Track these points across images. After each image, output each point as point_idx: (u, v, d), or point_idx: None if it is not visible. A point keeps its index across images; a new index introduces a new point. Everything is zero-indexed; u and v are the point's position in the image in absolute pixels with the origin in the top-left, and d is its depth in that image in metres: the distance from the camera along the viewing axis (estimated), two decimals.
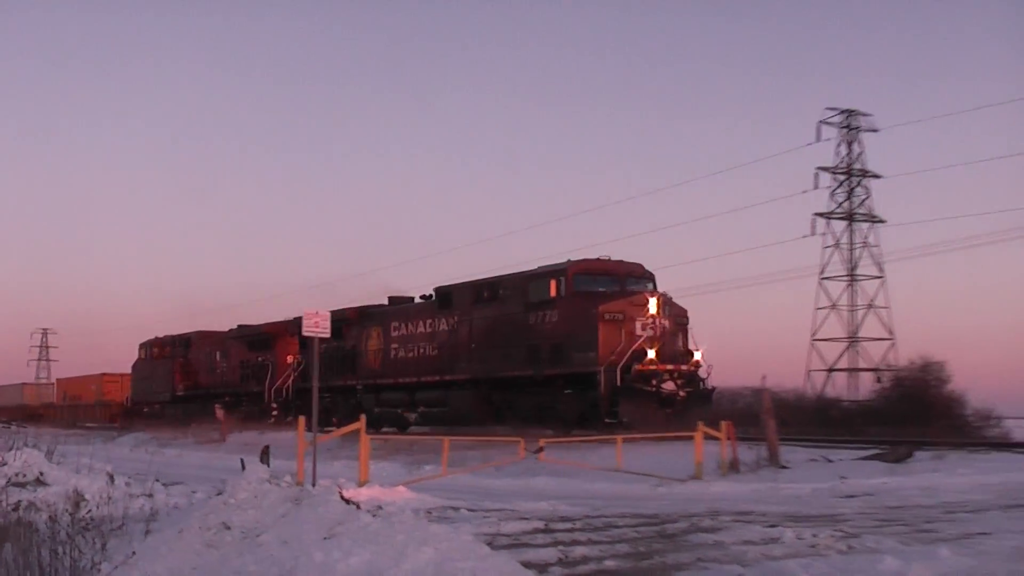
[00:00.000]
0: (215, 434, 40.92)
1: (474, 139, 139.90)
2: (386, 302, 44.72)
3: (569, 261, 33.50)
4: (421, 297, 40.85)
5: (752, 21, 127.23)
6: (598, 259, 33.88)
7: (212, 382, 55.29)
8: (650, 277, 33.86)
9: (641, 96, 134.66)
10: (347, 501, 10.67)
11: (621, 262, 33.53)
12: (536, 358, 32.88)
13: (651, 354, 30.12)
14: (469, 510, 14.99)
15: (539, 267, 34.60)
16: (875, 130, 64.81)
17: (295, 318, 45.32)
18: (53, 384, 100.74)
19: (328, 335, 19.97)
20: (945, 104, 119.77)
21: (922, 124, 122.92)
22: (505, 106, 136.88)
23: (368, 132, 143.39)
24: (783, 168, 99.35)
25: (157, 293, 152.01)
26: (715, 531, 12.18)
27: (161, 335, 63.18)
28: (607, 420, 29.76)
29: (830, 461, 22.13)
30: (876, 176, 65.03)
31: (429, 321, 38.52)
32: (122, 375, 74.92)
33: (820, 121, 63.63)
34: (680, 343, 32.30)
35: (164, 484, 15.71)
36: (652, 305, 31.24)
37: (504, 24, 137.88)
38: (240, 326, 55.34)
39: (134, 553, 9.50)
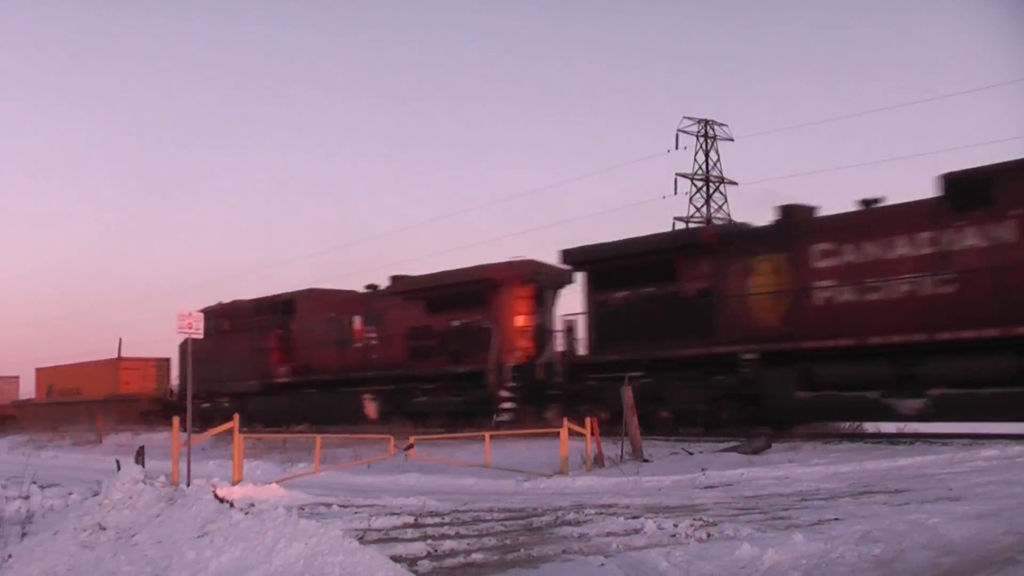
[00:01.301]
0: (91, 435, 40.28)
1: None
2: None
3: None
4: (864, 203, 25.18)
5: (619, 28, 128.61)
6: None
7: (344, 362, 39.18)
8: None
9: (508, 98, 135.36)
10: (220, 500, 10.68)
11: None
12: None
13: None
14: (340, 506, 15.11)
15: None
16: (731, 139, 66.75)
17: (523, 259, 34.75)
18: (17, 378, 79.11)
19: (201, 336, 19.39)
20: (799, 114, 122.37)
21: (777, 134, 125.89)
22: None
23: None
24: (645, 173, 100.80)
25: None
26: (579, 524, 12.39)
27: (228, 300, 46.91)
28: None
29: (691, 454, 22.66)
30: (733, 183, 66.77)
31: (928, 235, 23.45)
32: (147, 360, 60.27)
33: (679, 130, 65.28)
34: None
35: (40, 486, 15.61)
36: None
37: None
38: (397, 277, 38.75)
39: (10, 556, 9.54)
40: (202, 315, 19.09)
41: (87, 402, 57.10)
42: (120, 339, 70.77)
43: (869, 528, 10.81)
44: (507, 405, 32.14)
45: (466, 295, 34.77)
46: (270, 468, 23.08)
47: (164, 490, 11.15)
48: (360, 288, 41.53)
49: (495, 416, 31.87)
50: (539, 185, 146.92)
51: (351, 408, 37.26)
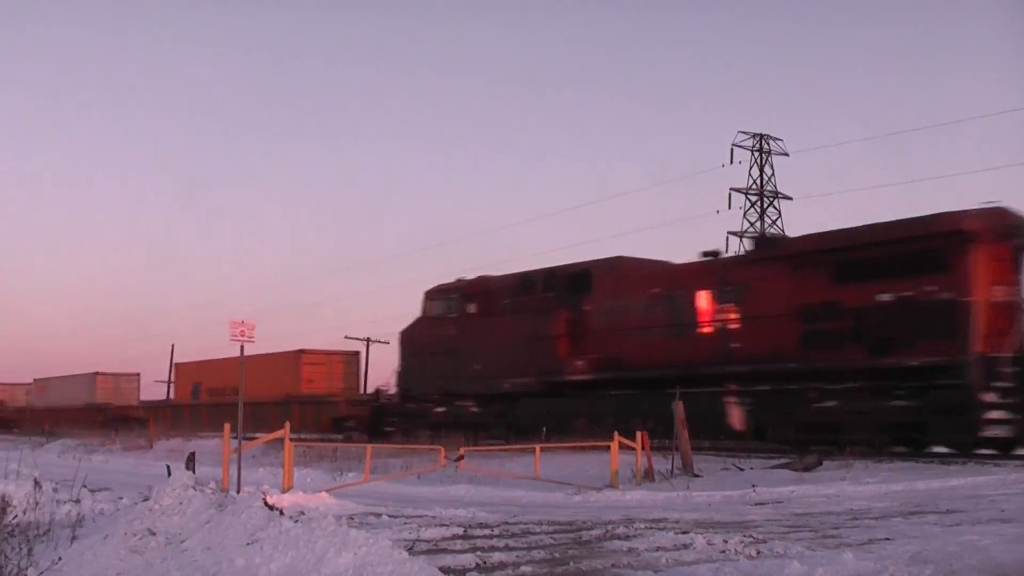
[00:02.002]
0: (142, 440, 40.52)
1: None
2: None
3: None
4: None
5: (673, 45, 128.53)
6: None
7: (683, 354, 28.94)
8: None
9: (563, 116, 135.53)
10: (270, 507, 10.73)
11: None
12: None
13: None
14: (390, 516, 15.14)
15: None
16: (786, 154, 66.34)
17: (996, 205, 24.60)
18: (138, 375, 73.37)
19: (253, 341, 19.28)
20: (853, 130, 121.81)
21: (831, 149, 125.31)
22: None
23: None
24: (699, 187, 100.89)
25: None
26: (629, 538, 12.36)
27: (470, 276, 37.37)
28: None
29: (741, 470, 22.57)
30: (787, 198, 66.43)
31: None
32: (333, 354, 51.17)
33: (733, 144, 65.02)
34: None
35: (91, 490, 15.74)
36: None
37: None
38: (767, 240, 31.02)
39: (60, 559, 9.58)
40: (255, 324, 18.83)
41: (256, 404, 46.10)
42: (172, 345, 70.10)
43: (920, 548, 10.73)
44: (996, 415, 22.87)
45: (907, 256, 24.73)
46: (320, 476, 23.14)
47: (214, 496, 11.22)
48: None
49: (977, 430, 23.13)
50: (593, 197, 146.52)
51: (698, 415, 25.46)
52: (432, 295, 37.56)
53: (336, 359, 49.32)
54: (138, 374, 73.39)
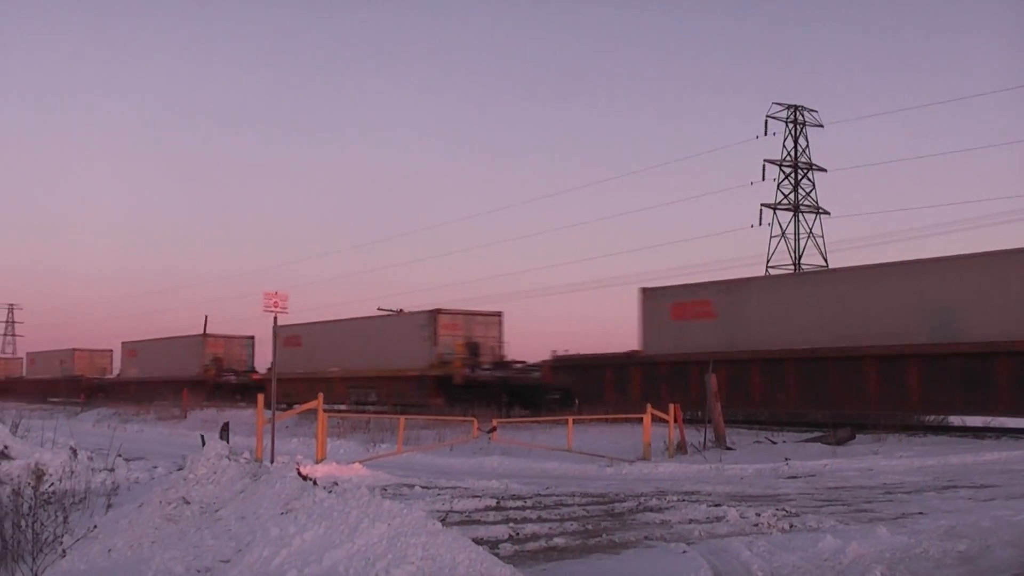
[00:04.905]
0: (176, 410, 40.70)
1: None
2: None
3: None
4: None
5: (708, 16, 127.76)
6: None
7: None
8: None
9: (600, 88, 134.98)
10: (304, 477, 10.76)
11: None
12: None
13: None
14: (423, 487, 15.22)
15: None
16: (820, 125, 65.73)
17: None
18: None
19: (287, 312, 19.15)
20: (888, 102, 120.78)
21: (865, 120, 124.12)
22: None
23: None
24: (733, 160, 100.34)
25: None
26: (661, 510, 12.39)
27: None
28: None
29: (774, 443, 22.52)
30: (821, 169, 65.84)
31: None
32: None
33: (768, 116, 64.49)
34: None
35: (126, 459, 15.86)
36: None
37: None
38: None
39: (95, 526, 9.66)
40: (287, 294, 18.79)
41: None
42: (206, 316, 70.07)
43: (954, 523, 10.68)
44: None
45: None
46: (353, 447, 23.23)
47: (248, 466, 11.25)
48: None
49: None
50: (622, 171, 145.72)
51: None
52: None
53: None
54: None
